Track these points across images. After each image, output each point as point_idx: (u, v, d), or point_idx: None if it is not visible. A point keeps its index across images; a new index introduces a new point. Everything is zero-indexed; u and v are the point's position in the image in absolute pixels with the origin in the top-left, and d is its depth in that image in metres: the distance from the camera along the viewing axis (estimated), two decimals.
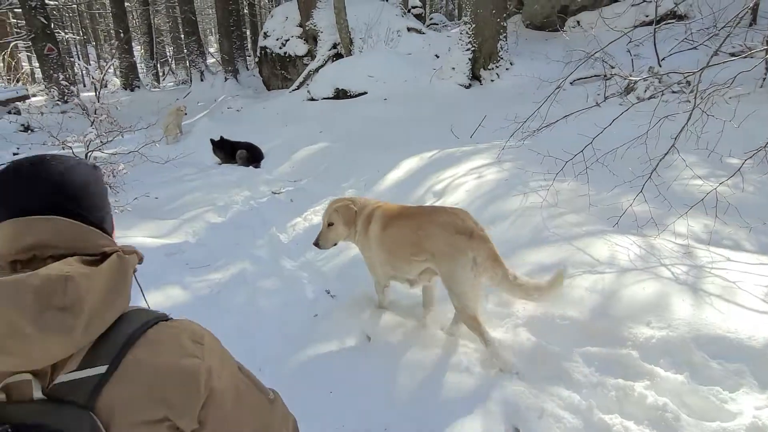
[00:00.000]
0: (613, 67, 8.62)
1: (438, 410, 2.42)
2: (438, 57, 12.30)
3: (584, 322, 2.73)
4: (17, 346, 0.83)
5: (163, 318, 1.04)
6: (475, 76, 11.03)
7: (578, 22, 11.61)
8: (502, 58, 10.88)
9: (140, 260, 1.12)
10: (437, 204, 4.89)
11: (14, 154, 8.88)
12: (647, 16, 10.01)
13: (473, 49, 10.67)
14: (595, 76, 8.87)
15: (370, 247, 3.12)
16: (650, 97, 6.66)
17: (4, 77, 20.40)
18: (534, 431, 2.23)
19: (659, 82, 6.91)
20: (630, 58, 8.54)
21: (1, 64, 20.28)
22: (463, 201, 4.61)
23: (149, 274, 4.36)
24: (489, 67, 10.93)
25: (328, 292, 3.84)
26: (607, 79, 8.25)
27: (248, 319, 3.69)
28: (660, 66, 7.72)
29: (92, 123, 5.89)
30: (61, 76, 13.42)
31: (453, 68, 11.02)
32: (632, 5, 10.55)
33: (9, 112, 13.07)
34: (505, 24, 10.73)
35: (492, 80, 10.94)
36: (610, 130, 4.00)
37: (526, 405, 2.33)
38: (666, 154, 3.58)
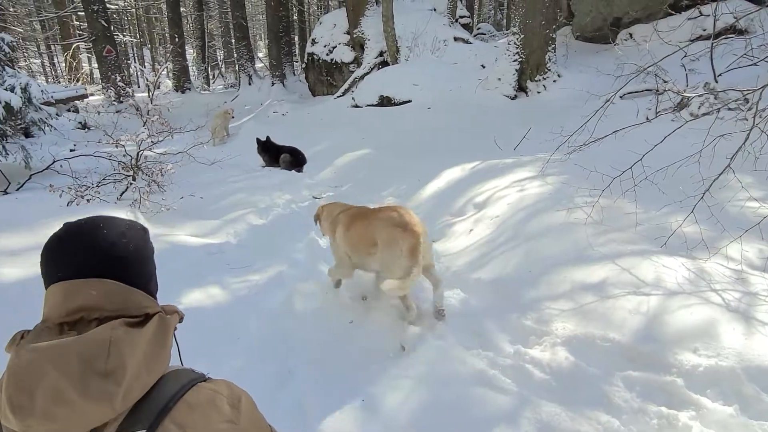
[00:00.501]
0: (666, 82, 8.38)
1: (470, 428, 2.38)
2: (484, 67, 12.23)
3: (626, 344, 2.63)
4: (61, 412, 0.85)
5: (200, 379, 1.05)
6: (521, 88, 10.90)
7: (631, 34, 11.31)
8: (549, 70, 10.72)
9: (180, 319, 1.15)
10: (477, 215, 4.85)
11: (71, 150, 9.30)
12: (704, 30, 9.67)
13: (520, 60, 10.55)
14: (647, 90, 8.62)
15: (339, 246, 3.67)
16: (704, 114, 6.44)
17: (65, 77, 21.43)
18: None
19: (715, 98, 6.65)
20: (684, 73, 8.27)
21: (64, 64, 21.34)
22: (504, 213, 4.55)
23: (192, 272, 4.49)
24: (536, 79, 10.78)
25: (365, 299, 3.85)
26: (659, 94, 8.02)
27: (284, 321, 3.73)
28: (716, 82, 7.44)
29: (144, 123, 6.12)
30: (118, 78, 14.00)
31: (499, 79, 10.92)
32: (689, 19, 10.19)
33: (68, 110, 13.71)
34: (554, 35, 10.57)
35: (538, 92, 10.78)
36: (660, 147, 3.87)
37: (562, 428, 2.27)
38: (720, 174, 3.43)
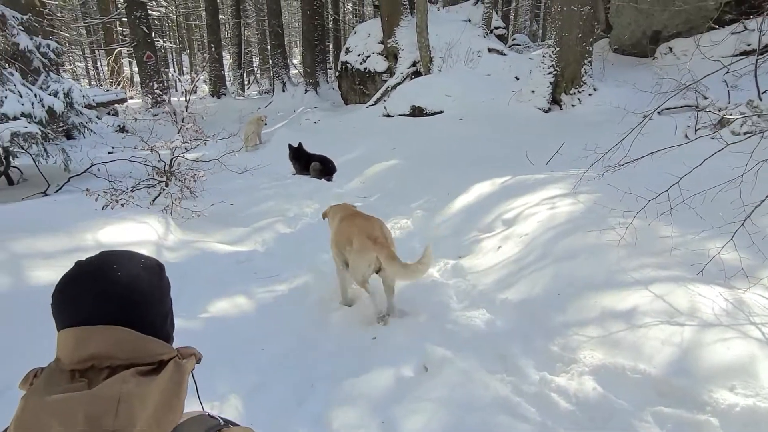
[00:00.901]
0: (706, 98, 8.14)
1: None
2: (518, 79, 12.12)
3: (658, 377, 2.52)
4: None
5: (214, 429, 1.03)
6: (555, 101, 10.75)
7: (671, 48, 11.03)
8: (585, 83, 10.55)
9: (198, 360, 1.11)
10: (506, 232, 4.77)
11: (109, 152, 9.57)
12: (749, 45, 9.37)
13: (555, 72, 10.42)
14: (687, 106, 8.38)
15: (332, 234, 4.36)
16: (746, 134, 6.20)
17: (107, 80, 22.13)
18: None
19: (759, 117, 6.42)
20: (726, 90, 8.02)
21: (107, 68, 22.05)
22: (534, 231, 4.46)
23: (220, 280, 4.55)
24: (571, 92, 10.62)
25: (388, 315, 3.82)
26: (699, 111, 7.79)
27: (308, 334, 3.73)
28: (761, 100, 7.18)
29: (179, 130, 6.25)
30: (155, 84, 14.37)
31: (533, 91, 10.80)
32: (732, 33, 9.90)
33: (108, 113, 14.14)
34: (590, 48, 10.39)
35: (573, 105, 10.61)
36: (698, 169, 3.74)
37: None
38: (763, 201, 3.29)
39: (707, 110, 5.50)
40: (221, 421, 1.07)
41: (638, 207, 3.81)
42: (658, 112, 9.51)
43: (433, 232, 5.48)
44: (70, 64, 28.89)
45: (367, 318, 3.85)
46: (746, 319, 2.75)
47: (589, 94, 10.57)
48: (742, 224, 3.24)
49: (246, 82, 28.28)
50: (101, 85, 23.28)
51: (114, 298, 0.99)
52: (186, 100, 6.62)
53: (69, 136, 10.61)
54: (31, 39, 7.72)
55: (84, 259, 1.06)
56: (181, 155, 6.24)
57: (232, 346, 3.51)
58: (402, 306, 3.94)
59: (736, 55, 8.84)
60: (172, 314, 1.16)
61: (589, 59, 10.44)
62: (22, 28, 7.54)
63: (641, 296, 3.11)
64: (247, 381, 3.17)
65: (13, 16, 7.44)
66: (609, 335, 2.90)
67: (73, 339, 0.95)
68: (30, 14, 7.31)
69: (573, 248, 3.95)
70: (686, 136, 7.67)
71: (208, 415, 1.08)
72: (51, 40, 8.79)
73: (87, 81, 29.00)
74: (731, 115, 7.21)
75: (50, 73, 7.80)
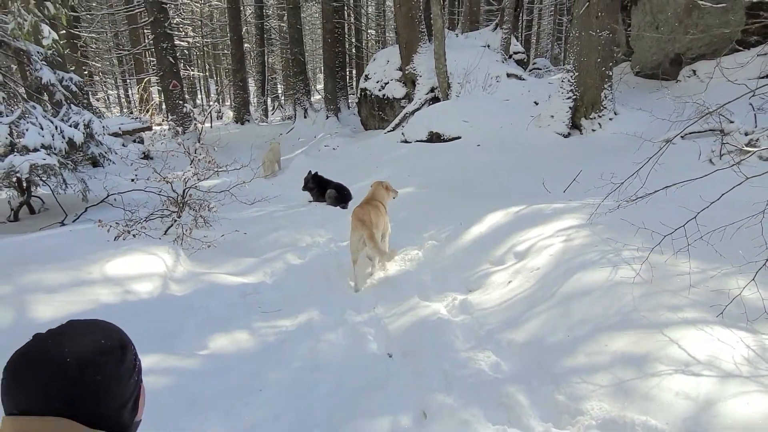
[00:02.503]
0: (732, 123, 7.89)
1: None
2: (537, 104, 12.00)
3: None
4: None
5: None
6: (575, 125, 10.58)
7: (694, 71, 10.79)
8: (605, 108, 10.36)
9: None
10: (517, 265, 4.62)
11: (132, 180, 9.75)
12: None
13: (575, 97, 10.27)
14: (711, 130, 8.13)
15: None
16: None
17: (137, 108, 22.79)
18: None
19: None
20: (753, 113, 7.77)
21: (137, 96, 22.72)
22: (545, 266, 4.30)
23: (222, 314, 4.49)
24: (591, 117, 10.44)
25: (390, 356, 3.69)
26: (724, 135, 7.54)
27: (307, 375, 3.61)
28: None
29: (191, 162, 6.30)
30: (170, 116, 14.68)
31: (552, 116, 10.65)
32: (759, 55, 9.63)
33: (134, 141, 14.48)
34: (610, 72, 10.23)
35: (593, 130, 10.42)
36: (721, 200, 3.56)
37: None
38: None
39: (731, 134, 5.26)
40: None
41: (654, 241, 3.63)
42: (681, 137, 9.30)
43: (443, 264, 5.35)
44: (103, 92, 29.96)
45: (367, 356, 3.73)
46: None
47: (610, 119, 10.37)
48: (765, 263, 3.04)
49: (270, 108, 28.79)
50: (131, 113, 23.98)
51: (58, 385, 0.91)
52: (199, 132, 6.70)
53: (95, 164, 10.87)
54: (54, 73, 7.97)
55: (42, 333, 0.98)
56: (194, 185, 6.28)
57: (228, 386, 3.42)
58: (406, 345, 3.81)
59: (762, 77, 8.59)
60: (135, 399, 1.05)
61: (609, 83, 10.26)
62: (45, 63, 7.80)
63: (655, 341, 2.92)
64: (238, 426, 3.06)
65: (37, 52, 7.69)
66: (619, 384, 2.71)
67: (11, 430, 0.88)
68: (53, 49, 7.54)
69: (585, 285, 3.77)
70: (711, 161, 7.42)
71: None
72: (77, 72, 9.05)
73: (119, 108, 29.95)
74: (758, 139, 6.96)
75: (72, 105, 8.02)
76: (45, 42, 6.75)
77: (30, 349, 0.95)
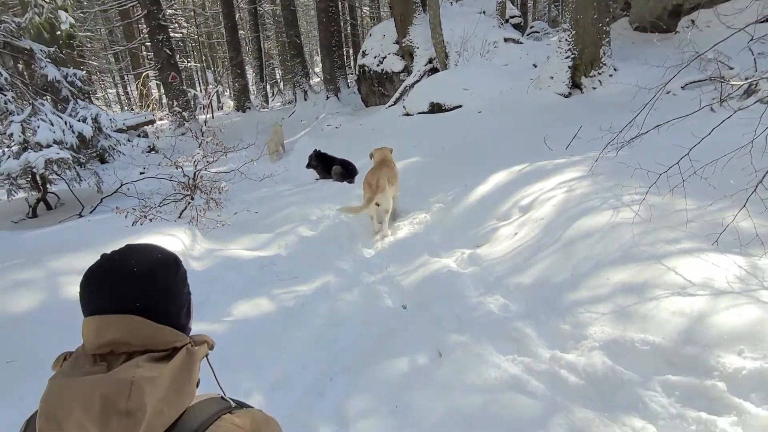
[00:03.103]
0: (732, 69, 7.90)
1: None
2: (536, 66, 11.97)
3: (667, 348, 2.50)
4: None
5: (225, 411, 1.09)
6: (575, 85, 10.59)
7: (693, 21, 10.72)
8: (605, 65, 10.36)
9: (211, 347, 1.18)
10: (522, 218, 4.76)
11: (141, 173, 9.95)
12: None
13: (573, 56, 10.26)
14: (711, 79, 8.14)
15: None
16: None
17: (137, 104, 22.91)
18: None
19: None
20: (753, 58, 7.75)
21: (136, 92, 22.83)
22: (549, 215, 4.44)
23: (243, 285, 4.70)
24: (590, 75, 10.45)
25: (404, 307, 3.88)
26: (723, 82, 7.55)
27: (328, 330, 3.83)
28: None
29: (200, 145, 6.46)
30: (175, 103, 14.76)
31: (551, 77, 10.66)
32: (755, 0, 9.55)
33: (138, 136, 14.64)
34: (608, 28, 10.19)
35: (594, 88, 10.44)
36: (714, 140, 3.67)
37: None
38: None
39: (729, 82, 5.31)
40: (233, 403, 1.14)
41: (652, 182, 3.77)
42: (682, 87, 9.29)
43: (451, 224, 5.50)
44: (102, 92, 30.05)
45: (383, 311, 3.93)
46: (759, 284, 2.69)
47: (610, 75, 10.38)
48: (755, 190, 3.17)
49: (270, 94, 28.79)
50: (132, 109, 24.11)
51: (130, 290, 1.07)
52: (205, 115, 6.85)
53: (102, 161, 11.07)
54: (59, 70, 8.13)
55: (109, 252, 1.15)
56: (204, 168, 6.46)
57: (255, 346, 3.64)
58: (419, 297, 4.00)
59: (760, 21, 8.54)
60: (189, 306, 1.23)
61: (608, 39, 10.24)
62: (49, 60, 7.96)
63: (654, 270, 3.08)
64: (269, 378, 3.28)
65: (41, 50, 7.85)
66: (620, 310, 2.88)
67: (94, 326, 1.04)
68: (55, 47, 7.68)
69: (587, 228, 3.92)
70: (712, 109, 7.45)
71: (221, 397, 1.15)
72: (79, 69, 9.20)
73: (119, 107, 30.06)
74: (757, 83, 6.97)
75: (78, 100, 8.19)
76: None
77: (102, 263, 1.12)
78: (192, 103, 16.39)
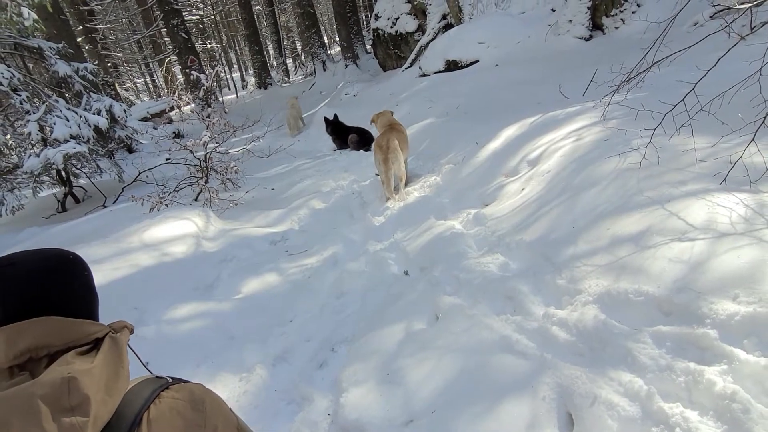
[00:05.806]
0: None
1: (488, 394, 2.31)
2: (554, 11, 11.43)
3: (661, 297, 2.37)
4: None
5: (162, 387, 1.08)
6: (596, 26, 10.09)
7: None
8: (626, 1, 9.79)
9: (131, 331, 1.15)
10: (530, 172, 4.61)
11: (167, 159, 10.14)
12: None
13: None
14: (742, 4, 7.56)
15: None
16: None
17: (164, 90, 23.23)
18: (583, 419, 2.03)
19: None
20: None
21: (162, 79, 23.13)
22: (555, 167, 4.28)
23: (254, 262, 4.77)
24: (612, 14, 9.92)
25: (406, 273, 3.85)
26: (752, 6, 7.00)
27: (333, 301, 3.86)
28: None
29: (207, 127, 6.50)
30: (194, 92, 14.87)
31: (570, 21, 10.18)
32: None
33: (164, 123, 14.91)
34: None
35: (616, 27, 9.92)
36: (722, 74, 3.42)
37: (581, 391, 2.12)
38: None
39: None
40: (169, 379, 1.13)
41: (662, 123, 3.56)
42: (710, 17, 8.70)
43: (460, 185, 5.39)
44: (131, 81, 30.63)
45: (387, 278, 3.91)
46: (765, 223, 2.50)
47: (633, 12, 9.82)
48: (763, 122, 2.94)
49: (293, 68, 28.64)
50: (160, 96, 24.48)
51: (37, 290, 1.04)
52: (208, 97, 6.87)
53: (130, 150, 11.33)
54: (70, 65, 8.28)
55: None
56: (215, 149, 6.51)
57: (261, 322, 3.70)
58: (422, 261, 3.97)
59: None
60: (97, 296, 1.20)
61: None
62: (59, 57, 8.11)
63: (655, 216, 2.91)
64: (273, 351, 3.34)
65: (50, 47, 8.00)
66: (617, 261, 2.75)
67: (4, 338, 0.99)
68: (63, 42, 7.81)
69: (593, 178, 3.75)
70: (743, 38, 6.94)
71: (156, 376, 1.14)
72: (87, 63, 9.34)
73: (148, 94, 30.61)
74: None
75: (91, 93, 8.36)
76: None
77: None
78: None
